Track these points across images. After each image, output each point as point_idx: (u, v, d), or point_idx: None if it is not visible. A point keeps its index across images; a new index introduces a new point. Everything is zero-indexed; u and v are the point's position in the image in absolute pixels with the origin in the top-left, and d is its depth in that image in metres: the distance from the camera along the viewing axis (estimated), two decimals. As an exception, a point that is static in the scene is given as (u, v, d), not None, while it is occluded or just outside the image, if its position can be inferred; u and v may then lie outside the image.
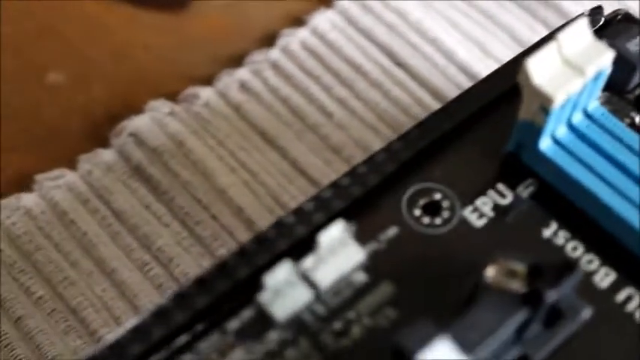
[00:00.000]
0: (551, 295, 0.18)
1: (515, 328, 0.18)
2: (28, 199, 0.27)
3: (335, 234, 0.19)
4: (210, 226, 0.27)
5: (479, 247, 0.20)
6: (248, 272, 0.19)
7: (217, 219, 0.27)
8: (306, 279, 0.20)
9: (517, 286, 0.18)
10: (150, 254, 0.26)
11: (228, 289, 0.20)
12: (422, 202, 0.21)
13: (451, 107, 0.22)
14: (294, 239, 0.20)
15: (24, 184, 0.28)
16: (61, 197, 0.27)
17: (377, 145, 0.28)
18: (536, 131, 0.20)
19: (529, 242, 0.20)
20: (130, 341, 0.19)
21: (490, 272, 0.18)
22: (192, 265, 0.26)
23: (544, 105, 0.20)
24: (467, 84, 0.29)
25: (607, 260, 0.20)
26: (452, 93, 0.28)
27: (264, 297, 0.19)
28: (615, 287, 0.20)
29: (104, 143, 0.28)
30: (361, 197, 0.21)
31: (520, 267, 0.18)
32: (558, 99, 0.20)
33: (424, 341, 0.17)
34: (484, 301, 0.18)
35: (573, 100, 0.20)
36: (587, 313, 0.19)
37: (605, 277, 0.20)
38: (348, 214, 0.20)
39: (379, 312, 0.20)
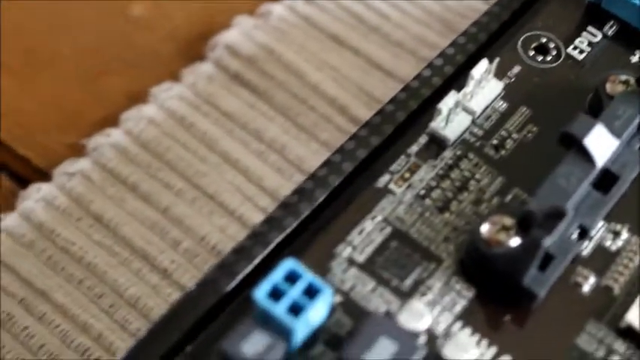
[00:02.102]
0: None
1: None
2: (147, 110, 0.32)
3: (482, 69, 0.26)
4: (310, 116, 0.32)
5: (585, 73, 0.27)
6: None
7: (315, 109, 0.33)
8: (464, 108, 0.26)
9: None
10: (264, 144, 0.32)
11: (404, 120, 0.25)
12: (533, 45, 0.27)
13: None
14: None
15: (140, 98, 0.32)
16: (175, 105, 0.32)
17: (432, 36, 0.34)
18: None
19: (622, 65, 0.27)
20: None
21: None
22: (304, 149, 0.32)
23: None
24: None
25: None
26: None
27: (436, 125, 0.25)
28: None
29: (197, 59, 0.33)
30: (484, 45, 0.27)
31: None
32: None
33: (588, 129, 0.24)
34: (619, 98, 0.25)
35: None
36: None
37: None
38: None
39: (523, 128, 0.26)
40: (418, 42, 0.34)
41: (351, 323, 0.23)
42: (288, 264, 0.22)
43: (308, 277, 0.22)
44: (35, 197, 0.31)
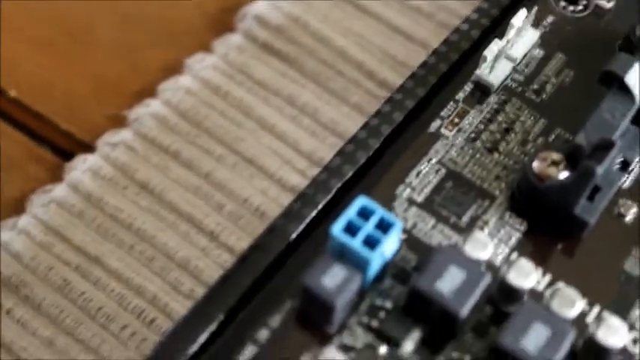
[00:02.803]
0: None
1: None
2: (184, 80, 0.34)
3: (522, 17, 0.27)
4: (339, 81, 0.34)
5: (613, 20, 0.29)
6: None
7: (343, 74, 0.34)
8: (506, 55, 0.28)
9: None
10: (297, 109, 0.34)
11: (447, 69, 0.27)
12: (565, -4, 0.29)
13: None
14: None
15: (174, 70, 0.34)
16: (210, 75, 0.34)
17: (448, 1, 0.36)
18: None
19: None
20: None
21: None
22: (336, 113, 0.33)
23: None
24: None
25: None
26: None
27: (481, 72, 0.27)
28: None
29: (226, 30, 0.35)
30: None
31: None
32: None
33: (628, 67, 0.26)
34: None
35: None
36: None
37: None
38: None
39: (560, 73, 0.28)
40: (435, 7, 0.36)
41: (416, 258, 0.25)
42: (360, 201, 0.24)
43: (380, 212, 0.23)
44: (82, 168, 0.32)
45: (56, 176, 0.32)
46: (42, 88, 0.34)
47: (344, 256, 0.23)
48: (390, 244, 0.24)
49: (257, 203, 0.32)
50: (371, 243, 0.23)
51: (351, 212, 0.23)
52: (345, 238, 0.23)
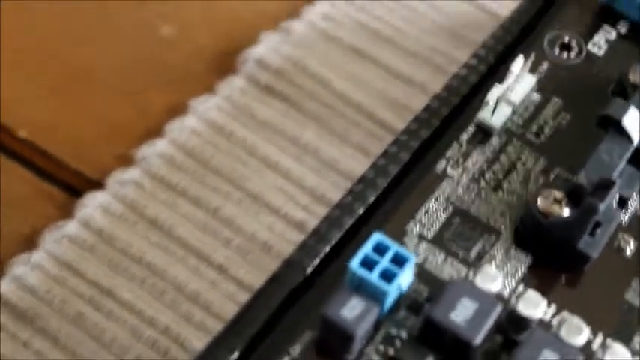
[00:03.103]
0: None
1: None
2: (189, 121, 0.35)
3: (519, 64, 0.29)
4: (340, 122, 0.36)
5: (605, 66, 0.31)
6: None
7: (344, 115, 0.36)
8: (505, 100, 0.29)
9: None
10: (300, 148, 0.35)
11: (449, 113, 0.29)
12: (558, 43, 0.31)
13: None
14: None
15: (179, 111, 0.36)
16: (214, 116, 0.36)
17: (443, 46, 0.37)
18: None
19: (636, 57, 0.31)
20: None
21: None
22: (337, 152, 0.35)
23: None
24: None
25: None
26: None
27: (483, 114, 0.29)
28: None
29: (226, 73, 0.37)
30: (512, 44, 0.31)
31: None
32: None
33: (624, 111, 0.28)
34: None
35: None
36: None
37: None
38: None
39: (557, 116, 0.30)
40: (431, 51, 0.38)
41: (428, 290, 0.26)
42: (376, 237, 0.25)
43: (395, 247, 0.25)
44: (92, 205, 0.33)
45: (66, 213, 0.33)
46: (50, 130, 0.35)
47: (361, 288, 0.25)
48: (406, 277, 0.25)
49: (264, 238, 0.33)
50: (387, 276, 0.25)
51: (367, 248, 0.25)
52: (363, 273, 0.25)
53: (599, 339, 0.26)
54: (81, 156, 0.35)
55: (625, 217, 0.28)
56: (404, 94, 0.36)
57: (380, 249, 0.25)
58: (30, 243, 0.33)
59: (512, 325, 0.25)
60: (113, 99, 0.36)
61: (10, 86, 0.36)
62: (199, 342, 0.31)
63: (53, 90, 0.36)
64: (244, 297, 0.31)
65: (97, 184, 0.34)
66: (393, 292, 0.25)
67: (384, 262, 0.25)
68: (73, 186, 0.34)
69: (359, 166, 0.34)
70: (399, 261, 0.25)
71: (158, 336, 0.31)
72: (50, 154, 0.35)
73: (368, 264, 0.25)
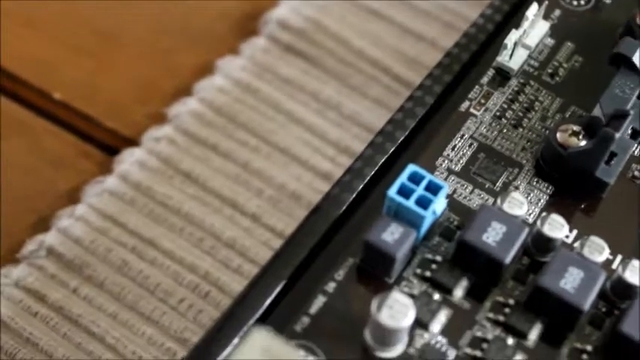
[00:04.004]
0: None
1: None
2: (216, 80, 0.38)
3: (534, 11, 0.32)
4: (359, 78, 0.39)
5: (612, 12, 0.34)
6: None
7: (362, 71, 0.39)
8: (522, 44, 0.32)
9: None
10: (322, 104, 0.38)
11: (469, 59, 0.32)
12: (570, -11, 0.34)
13: None
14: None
15: (206, 71, 0.38)
16: (240, 75, 0.38)
17: (453, 4, 0.40)
18: None
19: None
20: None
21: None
22: (357, 106, 0.38)
23: None
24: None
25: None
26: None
27: (502, 58, 0.32)
28: None
29: (249, 34, 0.39)
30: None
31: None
32: None
33: (634, 48, 0.30)
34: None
35: None
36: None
37: None
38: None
39: (570, 59, 0.33)
40: (442, 9, 0.40)
41: (458, 219, 0.29)
42: (411, 168, 0.28)
43: (429, 176, 0.28)
44: (129, 160, 0.36)
45: (104, 170, 0.36)
46: (83, 91, 0.38)
47: (399, 215, 0.27)
48: (440, 204, 0.28)
49: (293, 188, 0.36)
50: (423, 203, 0.27)
51: (403, 177, 0.28)
52: (401, 200, 0.27)
53: (618, 258, 0.28)
54: (114, 115, 0.37)
55: (637, 148, 0.30)
56: (416, 49, 0.39)
57: (415, 179, 0.28)
58: (73, 198, 0.35)
59: (537, 247, 0.28)
60: (143, 61, 0.38)
61: (44, 51, 0.38)
62: (238, 285, 0.33)
63: (85, 53, 0.38)
64: (278, 243, 0.34)
65: (132, 142, 0.37)
66: (428, 217, 0.27)
67: (420, 190, 0.27)
68: (109, 144, 0.37)
69: (378, 118, 0.37)
70: (433, 189, 0.28)
71: (199, 281, 0.34)
72: (85, 115, 0.37)
73: (404, 193, 0.27)
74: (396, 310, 0.25)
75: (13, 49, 0.38)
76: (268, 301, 0.27)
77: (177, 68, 0.38)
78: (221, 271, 0.34)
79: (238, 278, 0.34)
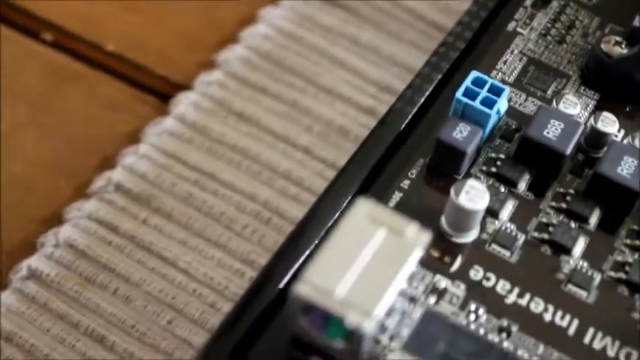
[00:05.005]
0: None
1: None
2: (260, 28, 0.41)
3: (569, -61, 0.35)
4: (395, 24, 0.42)
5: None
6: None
7: (398, 18, 0.42)
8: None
9: None
10: (362, 47, 0.41)
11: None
12: None
13: None
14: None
15: (249, 21, 0.41)
16: (282, 24, 0.41)
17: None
18: None
19: None
20: None
21: None
22: (395, 48, 0.41)
23: None
24: None
25: None
26: None
27: None
28: None
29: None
30: None
31: None
32: None
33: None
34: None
35: None
36: None
37: None
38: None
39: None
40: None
41: (516, 123, 0.32)
42: (474, 74, 0.31)
43: (490, 80, 0.31)
44: (185, 103, 0.39)
45: (161, 113, 0.39)
46: (132, 43, 0.41)
47: (465, 116, 0.30)
48: (502, 104, 0.31)
49: (340, 123, 0.39)
50: (487, 104, 0.30)
51: (467, 82, 0.31)
52: (468, 100, 0.30)
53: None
54: (165, 64, 0.40)
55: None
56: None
57: (478, 83, 0.31)
58: (133, 139, 0.38)
59: (591, 143, 0.31)
60: (187, 12, 0.41)
61: (95, 5, 0.41)
62: (297, 212, 0.36)
63: (133, 7, 0.41)
64: (331, 173, 0.36)
65: (184, 88, 0.39)
66: (493, 116, 0.30)
67: (484, 92, 0.31)
68: (162, 91, 0.40)
69: (415, 59, 0.40)
70: (495, 92, 0.31)
71: (260, 209, 0.36)
72: (137, 64, 0.40)
73: (470, 95, 0.30)
74: (473, 194, 0.28)
75: (64, 6, 0.40)
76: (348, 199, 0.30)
77: (221, 20, 0.41)
78: (280, 199, 0.37)
79: (297, 205, 0.36)
